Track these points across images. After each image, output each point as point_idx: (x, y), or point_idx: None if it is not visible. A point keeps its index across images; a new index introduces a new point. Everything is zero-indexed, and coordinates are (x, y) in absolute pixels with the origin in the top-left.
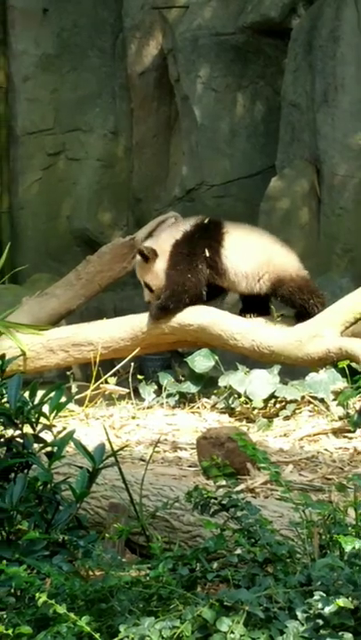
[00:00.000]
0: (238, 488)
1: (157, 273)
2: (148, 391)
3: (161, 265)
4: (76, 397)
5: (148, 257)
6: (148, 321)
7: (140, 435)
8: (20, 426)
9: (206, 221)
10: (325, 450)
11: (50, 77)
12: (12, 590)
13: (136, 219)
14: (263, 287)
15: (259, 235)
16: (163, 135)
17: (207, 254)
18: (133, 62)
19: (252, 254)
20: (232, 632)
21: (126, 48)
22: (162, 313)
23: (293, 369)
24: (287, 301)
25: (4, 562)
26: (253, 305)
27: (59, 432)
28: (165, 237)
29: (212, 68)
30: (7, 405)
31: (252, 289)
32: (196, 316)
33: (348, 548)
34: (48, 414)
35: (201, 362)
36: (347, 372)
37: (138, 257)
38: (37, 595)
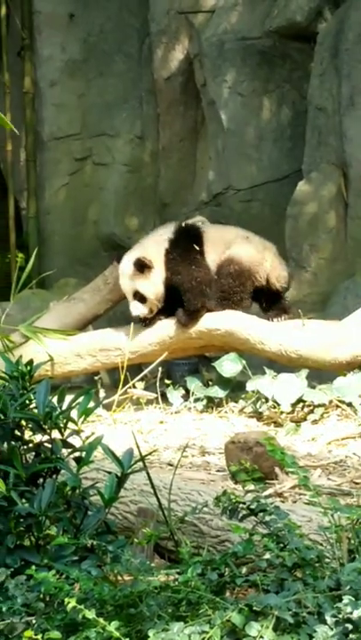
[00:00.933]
0: (267, 492)
1: (154, 282)
2: (175, 396)
3: (157, 274)
4: (104, 402)
5: (147, 267)
6: (177, 327)
7: (168, 439)
8: (48, 431)
9: (183, 225)
10: (354, 454)
11: (76, 82)
12: (42, 595)
13: (163, 223)
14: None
15: (227, 231)
16: (189, 140)
17: (197, 248)
18: (160, 67)
19: (218, 247)
20: (261, 637)
21: (152, 53)
22: (192, 317)
23: (321, 373)
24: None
25: (34, 567)
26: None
27: (87, 437)
28: (155, 248)
29: (238, 72)
30: (35, 411)
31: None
32: (223, 321)
33: None
34: (76, 419)
35: (228, 366)
36: None
37: (129, 268)
38: (66, 600)
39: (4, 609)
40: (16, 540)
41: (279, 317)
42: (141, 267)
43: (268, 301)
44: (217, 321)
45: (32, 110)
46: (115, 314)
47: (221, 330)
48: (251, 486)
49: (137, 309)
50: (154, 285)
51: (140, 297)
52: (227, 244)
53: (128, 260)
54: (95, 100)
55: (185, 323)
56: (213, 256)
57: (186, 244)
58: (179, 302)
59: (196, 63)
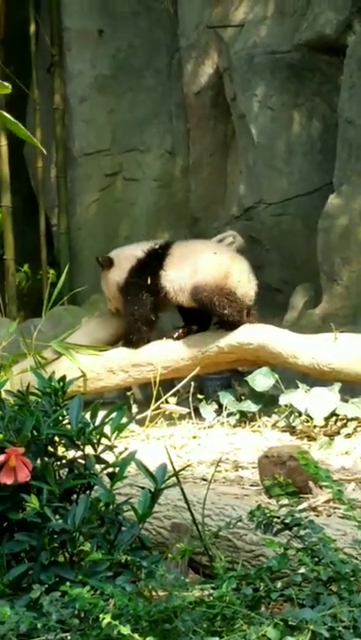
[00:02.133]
0: (301, 507)
1: (109, 282)
2: (208, 410)
3: (114, 277)
4: (137, 417)
5: (104, 265)
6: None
7: (201, 454)
8: (81, 447)
9: (157, 246)
10: None
11: (106, 98)
12: (76, 612)
13: (194, 238)
14: (186, 298)
15: (198, 249)
16: (220, 154)
17: (149, 282)
18: (189, 82)
19: (183, 269)
20: None
21: (182, 68)
22: (129, 345)
23: (354, 386)
24: (206, 308)
25: (68, 583)
26: (193, 318)
27: (120, 453)
28: (126, 257)
29: (267, 86)
30: (69, 427)
31: (187, 301)
32: (255, 335)
33: None
34: (109, 435)
35: (261, 380)
36: None
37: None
38: (101, 616)
39: (39, 625)
40: (50, 557)
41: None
42: (100, 264)
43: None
44: (249, 335)
45: (62, 126)
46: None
47: (254, 344)
48: (285, 500)
49: (107, 304)
50: (109, 285)
51: (104, 292)
52: (193, 265)
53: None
54: (125, 116)
55: (125, 347)
56: (176, 279)
57: (145, 271)
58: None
59: (225, 77)
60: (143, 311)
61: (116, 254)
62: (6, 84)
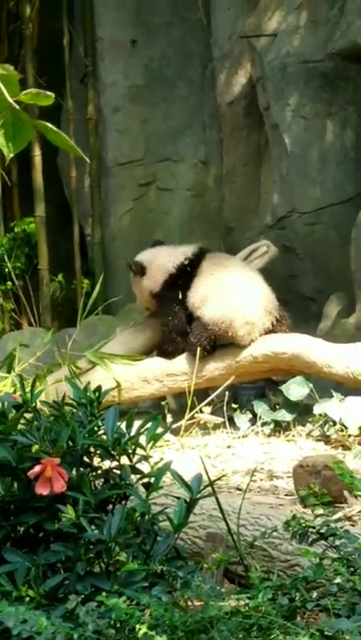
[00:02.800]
0: (336, 516)
1: (143, 290)
2: (243, 420)
3: (147, 285)
4: (172, 427)
5: (136, 273)
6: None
7: (236, 464)
8: (117, 457)
9: (187, 262)
10: None
11: (139, 108)
12: (113, 622)
13: (228, 248)
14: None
15: (220, 280)
16: (253, 164)
17: (180, 296)
18: (222, 91)
19: (200, 293)
20: None
21: (215, 77)
22: (164, 355)
23: None
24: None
25: (104, 593)
26: None
27: (156, 463)
28: (159, 268)
29: (300, 95)
30: (104, 437)
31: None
32: (289, 344)
33: None
34: (145, 445)
35: (295, 389)
36: None
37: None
38: (138, 626)
39: (75, 636)
40: (86, 567)
41: None
42: (133, 270)
43: None
44: (283, 344)
45: (96, 137)
46: None
47: (288, 353)
48: (320, 510)
49: (137, 300)
50: (141, 291)
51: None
52: (205, 295)
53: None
54: (158, 126)
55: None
56: (195, 301)
57: (176, 286)
58: None
59: (258, 87)
60: (177, 322)
61: (148, 262)
62: (50, 93)
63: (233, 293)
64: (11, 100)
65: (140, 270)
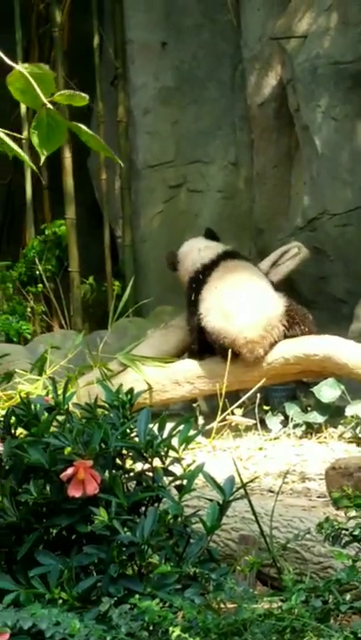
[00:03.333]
0: None
1: (182, 281)
2: (274, 422)
3: (183, 275)
4: (203, 429)
5: (168, 266)
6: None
7: (268, 466)
8: (149, 459)
9: (202, 269)
10: None
11: (170, 110)
12: (146, 624)
13: (258, 249)
14: None
15: (226, 285)
16: (283, 165)
17: (192, 297)
18: (253, 93)
19: (205, 304)
20: None
21: (245, 79)
22: (192, 355)
23: None
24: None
25: (137, 596)
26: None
27: (188, 465)
28: (188, 265)
29: (331, 96)
30: (137, 439)
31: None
32: (321, 346)
33: None
34: (177, 447)
35: (327, 391)
36: None
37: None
38: (171, 628)
39: (108, 638)
40: (119, 569)
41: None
42: (167, 262)
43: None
44: (315, 346)
45: (126, 139)
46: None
47: (319, 355)
48: (353, 512)
49: None
50: (182, 281)
51: None
52: (213, 304)
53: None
54: (189, 128)
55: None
56: (205, 310)
57: (194, 289)
58: None
59: (289, 88)
60: (195, 325)
61: (181, 257)
62: (84, 95)
63: (234, 312)
64: (45, 99)
65: (172, 265)
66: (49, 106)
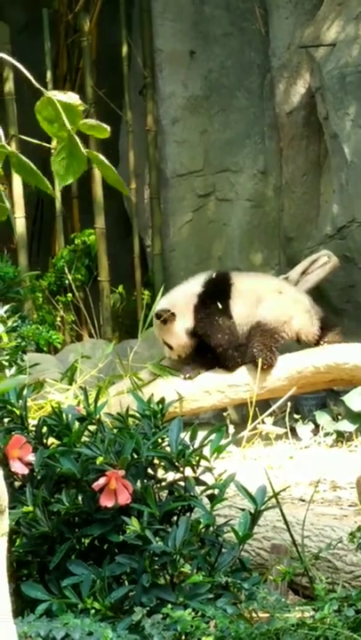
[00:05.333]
0: None
1: (177, 333)
2: (305, 430)
3: (181, 325)
4: (234, 438)
5: (167, 320)
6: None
7: (299, 475)
8: (181, 469)
9: (214, 276)
10: None
11: (198, 119)
12: (178, 634)
13: (288, 258)
14: (245, 332)
15: (259, 284)
16: (312, 174)
17: (220, 306)
18: (281, 102)
19: (248, 300)
20: None
21: (274, 88)
22: (227, 357)
23: None
24: (252, 342)
25: (169, 605)
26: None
27: (220, 474)
28: (184, 300)
29: (359, 104)
30: (168, 449)
31: (243, 337)
32: (351, 355)
33: None
34: (209, 457)
35: (357, 400)
36: None
37: (155, 319)
38: (203, 638)
39: None
40: (151, 579)
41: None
42: (164, 320)
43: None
44: (345, 355)
45: (155, 148)
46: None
47: (350, 363)
48: None
49: (167, 353)
50: (176, 337)
51: (166, 343)
52: (258, 299)
53: (156, 310)
54: (217, 136)
55: (223, 365)
56: (242, 310)
57: (212, 302)
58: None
59: (317, 97)
60: (230, 337)
61: (173, 305)
62: (105, 126)
63: (285, 293)
64: (70, 128)
65: (171, 316)
66: (74, 136)
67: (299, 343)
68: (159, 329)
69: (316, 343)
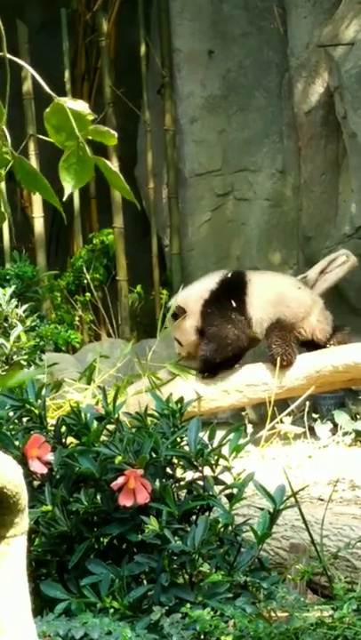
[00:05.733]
0: None
1: (186, 330)
2: (323, 430)
3: (190, 323)
4: (252, 438)
5: (178, 315)
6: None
7: (317, 474)
8: (200, 468)
9: (230, 275)
10: None
11: (217, 119)
12: (197, 633)
13: (306, 257)
14: (263, 329)
15: (278, 280)
16: (331, 173)
17: (234, 304)
18: (300, 101)
19: (266, 300)
20: None
21: (292, 87)
22: (206, 365)
23: None
24: (273, 341)
25: (188, 605)
26: None
27: (238, 474)
28: (195, 297)
29: None
30: (187, 448)
31: (262, 334)
32: None
33: None
34: (227, 456)
35: None
36: None
37: (169, 315)
38: (223, 638)
39: None
40: (170, 578)
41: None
42: (174, 314)
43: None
44: None
45: (173, 147)
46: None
47: None
48: None
49: (177, 349)
50: (185, 333)
51: (177, 339)
52: (277, 294)
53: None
54: (236, 136)
55: (201, 368)
56: (259, 307)
57: (225, 298)
58: None
59: (336, 96)
60: (238, 333)
61: (185, 301)
62: (113, 132)
63: (303, 288)
64: (80, 136)
65: (182, 311)
66: (83, 143)
67: (307, 346)
68: (170, 324)
69: (326, 343)
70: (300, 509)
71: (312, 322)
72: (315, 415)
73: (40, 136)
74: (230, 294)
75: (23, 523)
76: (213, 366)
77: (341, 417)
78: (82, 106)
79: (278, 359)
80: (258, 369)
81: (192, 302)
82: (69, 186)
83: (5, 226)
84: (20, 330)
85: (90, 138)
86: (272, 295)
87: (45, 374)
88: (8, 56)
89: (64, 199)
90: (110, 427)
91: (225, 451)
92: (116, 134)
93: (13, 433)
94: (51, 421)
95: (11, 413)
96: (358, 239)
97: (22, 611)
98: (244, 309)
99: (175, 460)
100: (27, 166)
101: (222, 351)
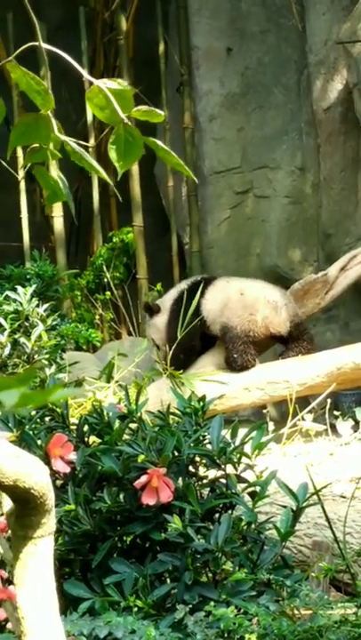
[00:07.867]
0: None
1: (158, 327)
2: (345, 427)
3: (161, 320)
4: (274, 435)
5: (153, 311)
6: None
7: (339, 471)
8: (222, 466)
9: (200, 278)
10: None
11: (235, 116)
12: (221, 631)
13: (326, 254)
14: (218, 330)
15: (238, 284)
16: (350, 170)
17: (194, 307)
18: (319, 98)
19: (218, 303)
20: None
21: (311, 84)
22: (171, 359)
23: None
24: (226, 346)
25: (212, 603)
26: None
27: (261, 471)
28: (169, 296)
29: None
30: (209, 446)
31: (216, 332)
32: None
33: None
34: (250, 454)
35: None
36: None
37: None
38: (247, 636)
39: None
40: (193, 577)
41: (300, 353)
42: (148, 310)
43: (283, 344)
44: None
45: (192, 145)
46: (279, 346)
47: None
48: None
49: (151, 344)
50: (157, 330)
51: (152, 338)
52: (224, 299)
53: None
54: (255, 133)
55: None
56: (211, 310)
57: (189, 298)
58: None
59: (355, 92)
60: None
61: (162, 300)
62: (160, 111)
63: (243, 295)
64: (123, 115)
65: (157, 308)
66: (127, 122)
67: (281, 342)
68: (147, 322)
69: (297, 332)
70: (322, 507)
71: (258, 320)
72: (336, 412)
73: (58, 135)
74: (193, 295)
75: (50, 523)
76: (176, 358)
77: None
78: (122, 84)
79: (232, 364)
80: (279, 366)
81: (166, 300)
82: (120, 167)
83: (25, 225)
84: (41, 329)
85: (135, 117)
86: (222, 299)
87: (67, 373)
88: (44, 45)
89: (118, 179)
90: (133, 425)
91: (247, 449)
92: (162, 112)
93: (36, 432)
94: (73, 420)
95: (33, 412)
96: None
97: (50, 612)
98: (200, 309)
99: (198, 459)
100: (71, 148)
101: (173, 351)
